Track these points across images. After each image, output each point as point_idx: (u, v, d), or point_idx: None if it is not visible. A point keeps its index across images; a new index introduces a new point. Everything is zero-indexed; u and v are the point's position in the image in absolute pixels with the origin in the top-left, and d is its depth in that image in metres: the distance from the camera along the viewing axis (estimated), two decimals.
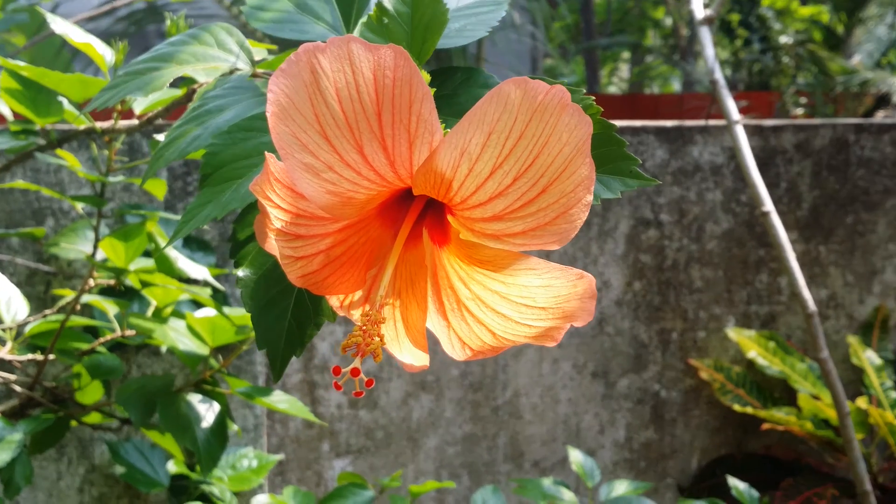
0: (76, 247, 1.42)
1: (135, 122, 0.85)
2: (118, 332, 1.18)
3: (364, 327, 0.45)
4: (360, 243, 0.48)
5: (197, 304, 1.45)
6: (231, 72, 0.63)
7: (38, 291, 1.58)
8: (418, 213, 0.47)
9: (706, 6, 1.53)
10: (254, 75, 0.62)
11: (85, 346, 1.17)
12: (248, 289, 0.55)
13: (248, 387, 1.12)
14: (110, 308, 1.17)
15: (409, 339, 0.49)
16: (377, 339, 0.45)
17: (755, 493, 1.56)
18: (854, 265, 2.25)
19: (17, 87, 0.82)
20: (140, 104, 0.88)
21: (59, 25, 0.85)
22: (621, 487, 1.55)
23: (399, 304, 0.48)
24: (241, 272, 0.55)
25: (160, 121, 0.85)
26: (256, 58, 0.65)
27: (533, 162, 0.42)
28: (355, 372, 0.45)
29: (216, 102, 0.59)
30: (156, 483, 1.67)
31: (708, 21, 1.48)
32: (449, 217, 0.47)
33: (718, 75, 1.44)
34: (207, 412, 1.10)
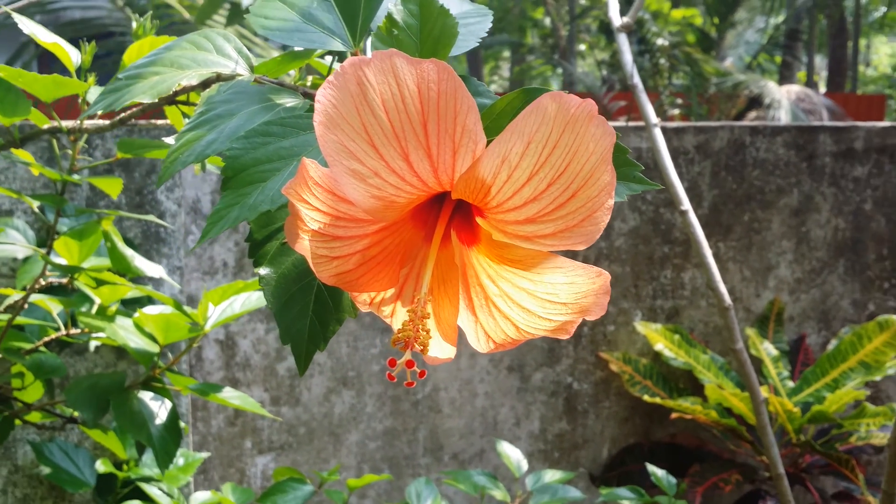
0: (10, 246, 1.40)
1: (104, 122, 0.86)
2: (62, 331, 1.18)
3: (412, 321, 0.48)
4: (394, 244, 0.52)
5: (132, 305, 1.44)
6: (232, 77, 0.65)
7: None
8: (449, 215, 0.51)
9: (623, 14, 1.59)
10: (256, 81, 0.64)
11: (28, 346, 1.16)
12: (269, 287, 0.57)
13: (201, 384, 1.13)
14: (54, 307, 1.17)
15: (440, 334, 0.52)
16: (424, 332, 0.48)
17: (672, 479, 1.64)
18: (751, 261, 2.37)
19: None
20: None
21: (27, 25, 0.86)
22: (548, 476, 1.61)
23: (432, 301, 0.52)
24: (262, 271, 0.58)
25: (136, 122, 0.86)
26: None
27: (565, 169, 0.46)
28: (410, 364, 0.48)
29: (224, 107, 0.61)
30: (82, 483, 1.66)
31: (625, 28, 1.54)
32: (478, 219, 0.50)
33: (637, 80, 1.51)
34: (160, 409, 1.11)
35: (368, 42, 0.62)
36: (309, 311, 0.58)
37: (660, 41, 9.43)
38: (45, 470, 1.65)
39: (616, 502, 1.63)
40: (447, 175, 0.47)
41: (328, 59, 0.84)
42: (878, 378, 2.16)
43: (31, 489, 1.70)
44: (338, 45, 0.62)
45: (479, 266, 0.52)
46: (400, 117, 0.46)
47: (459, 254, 0.52)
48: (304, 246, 0.52)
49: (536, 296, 0.50)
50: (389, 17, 0.59)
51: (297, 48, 0.66)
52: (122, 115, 0.84)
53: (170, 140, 0.84)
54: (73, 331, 1.17)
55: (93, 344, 1.47)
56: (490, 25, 0.68)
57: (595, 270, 0.50)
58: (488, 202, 0.48)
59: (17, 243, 1.16)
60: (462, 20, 0.67)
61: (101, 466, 1.66)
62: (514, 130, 0.46)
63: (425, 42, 0.58)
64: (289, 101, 0.62)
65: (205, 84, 0.71)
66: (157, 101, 0.63)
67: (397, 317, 0.54)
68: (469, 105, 0.46)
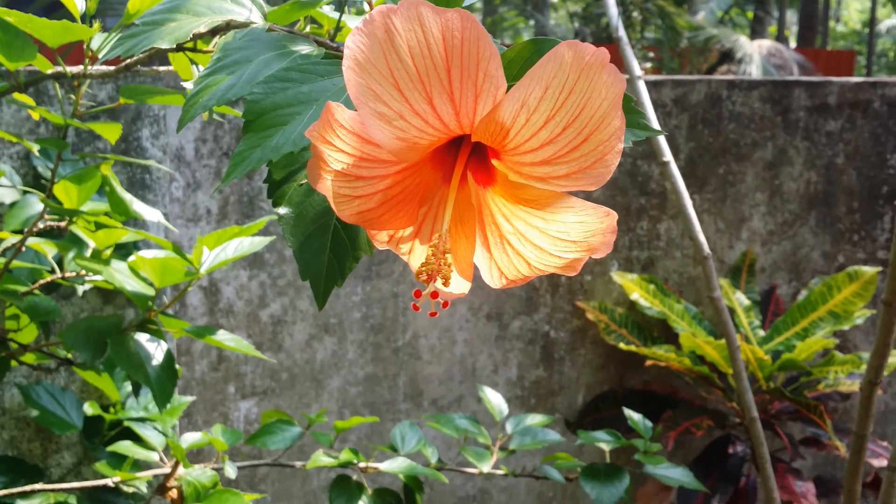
0: None
1: (108, 68, 0.88)
2: (58, 274, 1.20)
3: (435, 255, 0.51)
4: (414, 184, 0.54)
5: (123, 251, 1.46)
6: (246, 24, 0.67)
7: None
8: (467, 157, 0.54)
9: None
10: (270, 29, 0.66)
11: (22, 288, 1.18)
12: (288, 226, 0.60)
13: (196, 326, 1.16)
14: (49, 250, 1.19)
15: (457, 270, 0.55)
16: (446, 266, 0.51)
17: (648, 424, 1.69)
18: (725, 213, 2.41)
19: None
20: (104, 50, 0.90)
21: None
22: (528, 420, 1.65)
23: (450, 239, 0.55)
24: (281, 210, 0.60)
25: (140, 69, 0.88)
26: None
27: (580, 113, 0.49)
28: (434, 295, 0.51)
29: (241, 53, 0.63)
30: (69, 425, 1.69)
31: None
32: (494, 161, 0.53)
33: (622, 32, 1.53)
34: (156, 350, 1.13)
35: None
36: (327, 249, 0.60)
37: None
38: (33, 412, 1.68)
39: (593, 444, 1.67)
40: (468, 118, 0.50)
41: (327, 9, 0.86)
42: (846, 327, 2.22)
43: (18, 431, 1.73)
44: None
45: (494, 206, 0.54)
46: (425, 63, 0.48)
47: (476, 194, 0.54)
48: (326, 186, 0.54)
49: (548, 234, 0.53)
50: None
51: None
52: (129, 61, 0.86)
53: (188, 85, 0.86)
54: (68, 274, 1.19)
55: (81, 288, 1.48)
56: None
57: (604, 210, 0.53)
58: (506, 144, 0.51)
59: (4, 186, 1.17)
60: None
61: (89, 409, 1.68)
62: (532, 76, 0.48)
63: None
64: (304, 48, 0.64)
65: (213, 31, 0.73)
66: (174, 46, 0.65)
67: (415, 254, 0.57)
68: (492, 52, 0.48)
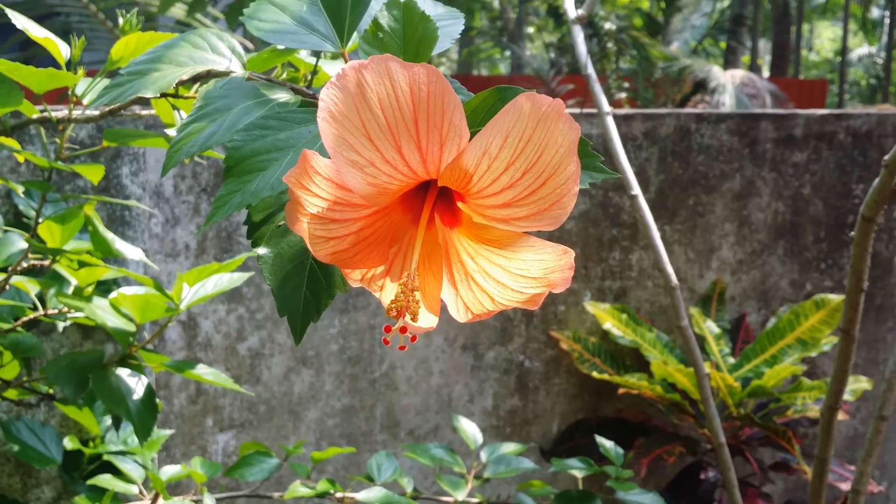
0: None
1: (92, 112, 0.91)
2: (41, 311, 1.23)
3: (403, 293, 0.55)
4: (385, 226, 0.58)
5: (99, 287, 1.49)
6: (227, 73, 0.71)
7: None
8: (434, 200, 0.57)
9: (578, 5, 1.66)
10: (249, 78, 0.70)
11: (6, 326, 1.21)
12: (267, 265, 0.64)
13: (176, 361, 1.19)
14: (32, 288, 1.22)
15: (425, 305, 0.59)
16: (414, 302, 0.55)
17: (620, 451, 1.73)
18: (695, 243, 2.46)
19: None
20: (89, 96, 0.94)
21: (20, 20, 0.90)
22: (502, 449, 1.68)
23: (418, 276, 0.58)
24: (260, 250, 0.64)
25: (123, 113, 0.91)
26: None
27: (537, 160, 0.53)
28: (403, 330, 0.55)
29: (221, 102, 0.67)
30: (49, 460, 1.71)
31: (580, 21, 1.61)
32: (459, 204, 0.57)
33: (591, 70, 1.58)
34: (137, 385, 1.16)
35: (358, 44, 0.68)
36: (303, 287, 0.64)
37: (607, 25, 9.53)
38: (14, 447, 1.70)
39: (567, 472, 1.71)
40: (434, 165, 0.54)
41: (303, 54, 0.90)
42: (814, 354, 2.27)
43: None
44: (328, 47, 0.68)
45: (459, 245, 0.58)
46: (394, 114, 0.52)
47: (443, 234, 0.58)
48: (302, 228, 0.58)
49: (510, 271, 0.57)
50: (375, 21, 0.65)
51: (287, 47, 0.71)
52: (112, 106, 0.89)
53: (171, 132, 0.89)
54: (50, 311, 1.22)
55: (61, 325, 1.51)
56: (462, 27, 0.74)
57: (561, 248, 0.57)
58: (470, 189, 0.54)
59: None
60: (437, 22, 0.73)
61: (69, 443, 1.70)
62: (493, 126, 0.52)
63: (408, 44, 0.65)
64: (281, 97, 0.68)
65: (194, 79, 0.77)
66: (158, 95, 0.68)
67: (386, 290, 0.61)
68: (455, 104, 0.52)
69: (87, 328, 1.81)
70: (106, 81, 0.90)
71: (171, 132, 0.90)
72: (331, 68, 0.87)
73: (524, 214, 0.55)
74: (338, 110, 0.53)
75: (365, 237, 0.58)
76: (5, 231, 1.58)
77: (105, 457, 1.66)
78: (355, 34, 0.69)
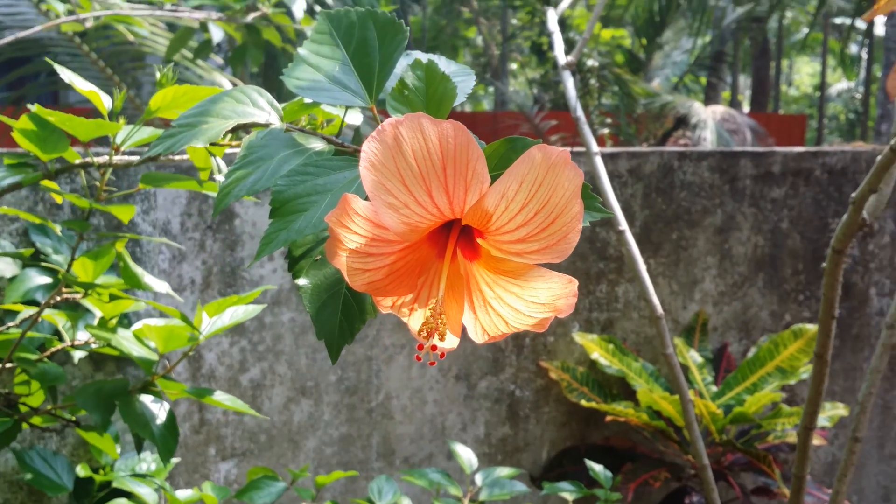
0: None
1: (132, 157, 1.00)
2: (67, 342, 1.30)
3: (433, 316, 0.64)
4: (414, 259, 0.67)
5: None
6: (266, 125, 0.80)
7: None
8: (457, 237, 0.66)
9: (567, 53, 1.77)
10: (287, 129, 0.79)
11: (34, 357, 1.29)
12: (307, 294, 0.72)
13: (195, 388, 1.27)
14: (59, 320, 1.30)
15: (449, 328, 0.68)
16: (443, 325, 0.64)
17: (609, 474, 1.81)
18: (678, 276, 2.56)
19: (33, 128, 0.95)
20: (130, 142, 1.03)
21: (66, 74, 0.99)
22: (496, 473, 1.76)
23: (443, 303, 0.67)
24: (300, 281, 0.72)
25: (162, 158, 1.00)
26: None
27: (547, 202, 0.62)
28: (434, 348, 0.64)
29: (263, 151, 0.76)
30: (60, 487, 1.78)
31: (569, 66, 1.71)
32: (479, 240, 0.66)
33: (580, 113, 1.68)
34: (159, 411, 1.24)
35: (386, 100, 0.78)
36: (338, 313, 0.73)
37: (590, 62, 9.69)
38: (27, 475, 1.77)
39: (558, 494, 1.79)
40: (459, 207, 0.63)
41: (324, 105, 1.00)
42: (793, 382, 2.36)
43: (11, 494, 1.81)
44: (358, 102, 0.77)
45: (479, 276, 0.67)
46: (426, 163, 0.61)
47: (464, 266, 0.67)
48: (340, 262, 0.66)
49: (523, 298, 0.66)
50: (402, 80, 0.74)
51: (324, 103, 0.80)
52: (150, 153, 0.98)
53: (220, 177, 0.98)
54: (76, 341, 1.30)
55: (77, 355, 1.58)
56: (474, 82, 0.84)
57: (567, 278, 0.66)
58: (490, 227, 0.63)
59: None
60: (453, 78, 0.83)
61: (81, 471, 1.78)
62: (510, 173, 0.61)
63: (430, 101, 0.74)
64: (316, 146, 0.77)
65: (235, 130, 0.86)
66: (207, 145, 0.77)
67: (414, 315, 0.69)
68: (478, 155, 0.61)
69: (98, 360, 1.89)
70: (146, 129, 0.99)
71: (219, 177, 0.98)
72: (350, 118, 0.97)
73: (535, 249, 0.64)
74: (377, 160, 0.62)
75: (397, 269, 0.67)
76: (24, 267, 1.67)
77: (116, 483, 1.74)
78: (383, 91, 0.78)
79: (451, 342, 0.69)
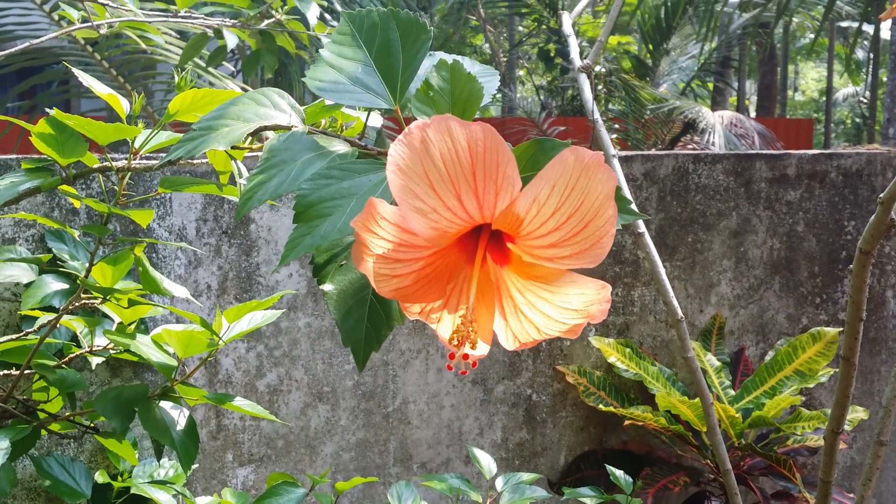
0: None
1: (151, 162, 0.99)
2: (85, 348, 1.30)
3: (464, 324, 0.63)
4: (443, 265, 0.66)
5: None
6: (289, 128, 0.79)
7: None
8: (487, 242, 0.65)
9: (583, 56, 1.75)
10: (309, 132, 0.78)
11: (52, 363, 1.28)
12: (332, 300, 0.71)
13: (216, 394, 1.26)
14: (78, 326, 1.29)
15: (480, 335, 0.66)
16: (474, 332, 0.62)
17: (629, 479, 1.79)
18: (694, 279, 2.54)
19: (51, 132, 0.94)
20: (150, 145, 1.02)
21: (85, 78, 0.98)
22: (518, 478, 1.75)
23: (474, 310, 0.66)
24: (325, 287, 0.71)
25: (182, 162, 0.99)
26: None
27: (580, 205, 0.61)
28: (465, 357, 0.63)
29: (286, 154, 0.75)
30: (79, 493, 1.78)
31: (585, 69, 1.70)
32: (509, 245, 0.65)
33: (597, 116, 1.66)
34: (179, 417, 1.23)
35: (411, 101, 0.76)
36: (365, 319, 0.71)
37: (597, 68, 9.67)
38: (45, 482, 1.76)
39: (578, 499, 1.77)
40: (490, 211, 0.62)
41: (348, 109, 0.99)
42: (811, 385, 2.34)
43: (29, 501, 1.80)
44: (381, 104, 0.76)
45: (509, 282, 0.66)
46: (454, 167, 0.60)
47: (494, 272, 0.66)
48: (367, 267, 0.65)
49: (555, 304, 0.65)
50: (427, 81, 0.73)
51: (346, 105, 0.79)
52: (170, 156, 0.97)
53: (243, 181, 0.97)
54: (95, 347, 1.29)
55: (94, 361, 1.58)
56: (498, 83, 0.82)
57: (600, 283, 0.65)
58: (520, 231, 0.62)
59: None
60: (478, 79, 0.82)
61: (100, 478, 1.77)
62: (542, 176, 0.60)
63: (456, 102, 0.73)
64: (339, 149, 0.76)
65: (253, 132, 0.85)
66: (228, 148, 0.76)
67: (443, 322, 0.68)
68: (509, 158, 0.60)
69: (115, 365, 1.88)
70: (164, 133, 0.98)
71: (240, 180, 0.97)
72: (371, 121, 0.95)
73: (568, 254, 0.63)
74: (404, 164, 0.60)
75: (426, 275, 0.65)
76: (40, 273, 1.66)
77: (134, 490, 1.73)
78: (407, 93, 0.77)
79: (482, 350, 0.67)
